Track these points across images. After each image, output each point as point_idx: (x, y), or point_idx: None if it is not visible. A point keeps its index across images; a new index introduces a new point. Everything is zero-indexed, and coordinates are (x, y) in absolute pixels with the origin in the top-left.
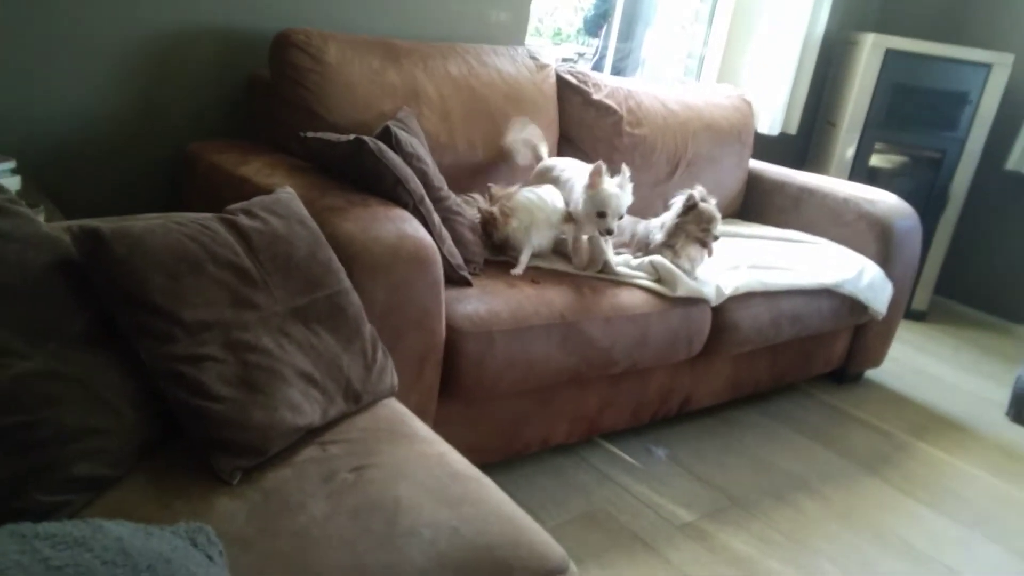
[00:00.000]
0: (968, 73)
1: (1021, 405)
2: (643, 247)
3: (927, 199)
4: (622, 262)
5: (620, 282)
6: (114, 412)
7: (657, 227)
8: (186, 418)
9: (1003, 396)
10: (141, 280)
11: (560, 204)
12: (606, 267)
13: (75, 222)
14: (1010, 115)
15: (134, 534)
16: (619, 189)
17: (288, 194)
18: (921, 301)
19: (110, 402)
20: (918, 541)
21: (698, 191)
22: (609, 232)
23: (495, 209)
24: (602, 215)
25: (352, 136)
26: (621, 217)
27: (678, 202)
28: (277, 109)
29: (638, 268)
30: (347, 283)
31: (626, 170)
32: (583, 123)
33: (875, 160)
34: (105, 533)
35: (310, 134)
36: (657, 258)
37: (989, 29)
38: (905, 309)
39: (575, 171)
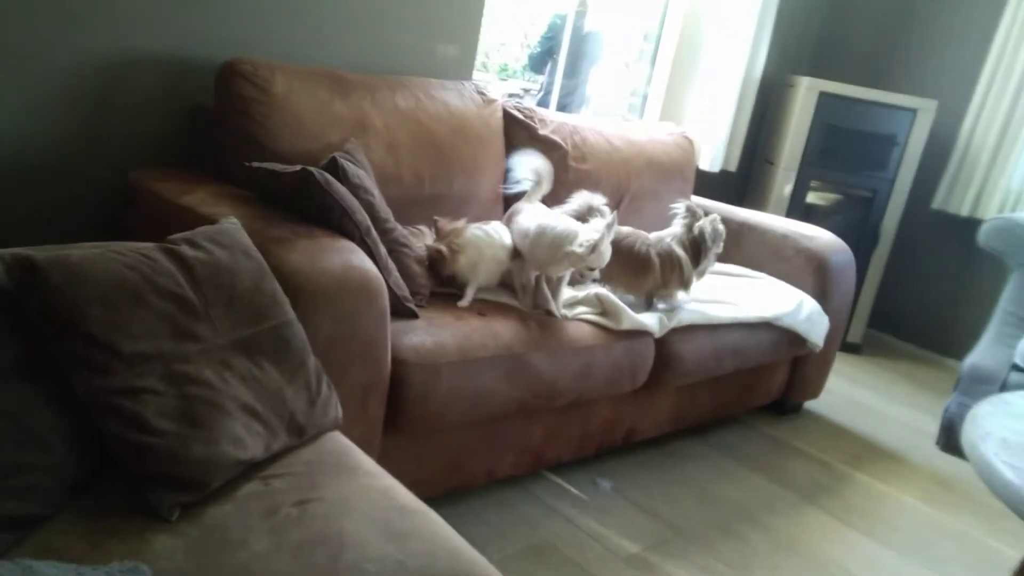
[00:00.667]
0: (896, 117)
1: (949, 435)
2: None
3: (860, 236)
4: (567, 300)
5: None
6: (45, 448)
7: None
8: (123, 453)
9: (934, 426)
10: (78, 310)
11: (507, 240)
12: (550, 313)
13: (7, 251)
14: (935, 157)
15: (65, 574)
16: (608, 246)
17: (233, 224)
18: (856, 334)
19: (41, 437)
20: (857, 570)
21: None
22: (589, 271)
23: (443, 246)
24: (591, 269)
25: (299, 167)
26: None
27: (679, 213)
28: (222, 139)
29: (583, 301)
30: (292, 315)
31: (613, 216)
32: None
33: (811, 197)
34: (35, 573)
35: (256, 164)
36: (602, 291)
37: (915, 76)
38: (841, 342)
39: (532, 215)
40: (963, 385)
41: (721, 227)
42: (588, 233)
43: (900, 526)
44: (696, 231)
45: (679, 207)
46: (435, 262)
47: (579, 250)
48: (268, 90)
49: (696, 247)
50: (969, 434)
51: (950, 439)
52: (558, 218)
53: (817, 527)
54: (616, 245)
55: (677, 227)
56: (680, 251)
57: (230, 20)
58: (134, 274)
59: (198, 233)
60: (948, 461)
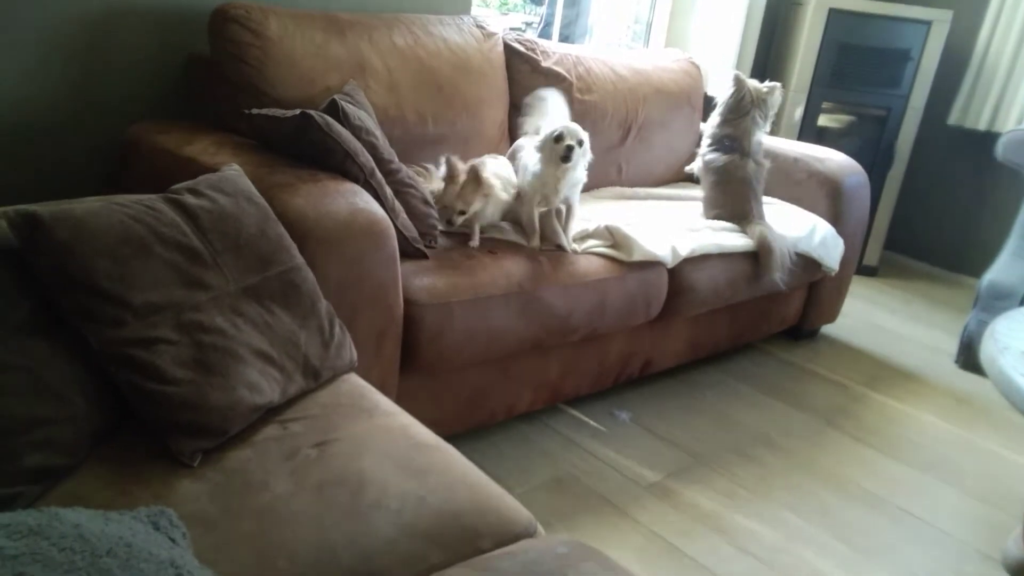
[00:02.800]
0: (909, 31)
1: (968, 352)
2: None
3: (874, 156)
4: (577, 233)
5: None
6: (64, 400)
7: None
8: (141, 403)
9: (952, 345)
10: (85, 264)
11: (513, 177)
12: (560, 247)
13: (11, 207)
14: (950, 71)
15: (92, 520)
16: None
17: (235, 171)
18: (872, 256)
19: (59, 391)
20: (875, 487)
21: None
22: (566, 159)
23: (484, 181)
24: (559, 139)
25: (298, 111)
26: (582, 143)
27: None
28: (219, 87)
29: (594, 234)
30: (300, 259)
31: (584, 135)
32: (533, 91)
33: (823, 120)
34: (61, 520)
35: (255, 111)
36: (612, 223)
37: None
38: (857, 265)
39: (528, 149)
40: (982, 302)
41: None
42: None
43: (919, 443)
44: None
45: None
46: (446, 208)
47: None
48: (262, 34)
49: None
50: (988, 349)
51: (969, 356)
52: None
53: (835, 447)
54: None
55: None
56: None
57: None
58: (139, 225)
59: (200, 182)
60: (968, 379)
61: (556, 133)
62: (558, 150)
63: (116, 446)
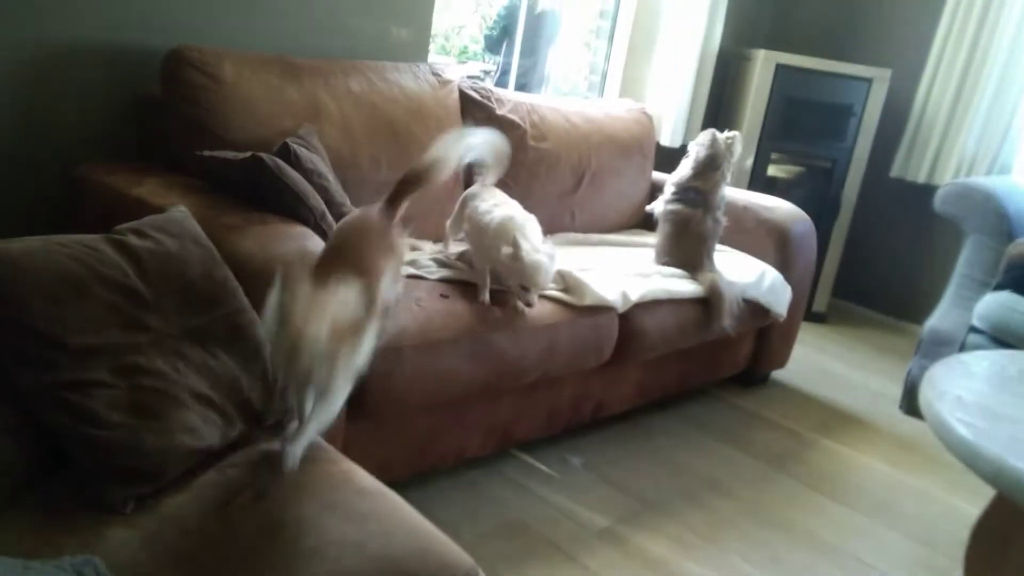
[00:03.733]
0: (852, 87)
1: (911, 398)
2: None
3: (821, 206)
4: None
5: None
6: None
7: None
8: (73, 447)
9: (897, 390)
10: (19, 305)
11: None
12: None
13: None
14: (891, 125)
15: (11, 570)
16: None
17: (181, 212)
18: (821, 303)
19: None
20: (824, 533)
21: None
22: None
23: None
24: (525, 289)
25: (249, 154)
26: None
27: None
28: (171, 128)
29: None
30: (245, 303)
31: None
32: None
33: (772, 170)
34: None
35: (207, 153)
36: (564, 268)
37: (869, 46)
38: (806, 311)
39: (496, 205)
40: (924, 348)
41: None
42: (526, 235)
43: (865, 489)
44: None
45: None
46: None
47: (504, 252)
48: (217, 77)
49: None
50: (926, 394)
51: (912, 402)
52: (509, 207)
53: (784, 494)
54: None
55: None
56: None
57: (174, 6)
58: (78, 265)
59: (145, 223)
60: (911, 423)
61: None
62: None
63: (43, 494)
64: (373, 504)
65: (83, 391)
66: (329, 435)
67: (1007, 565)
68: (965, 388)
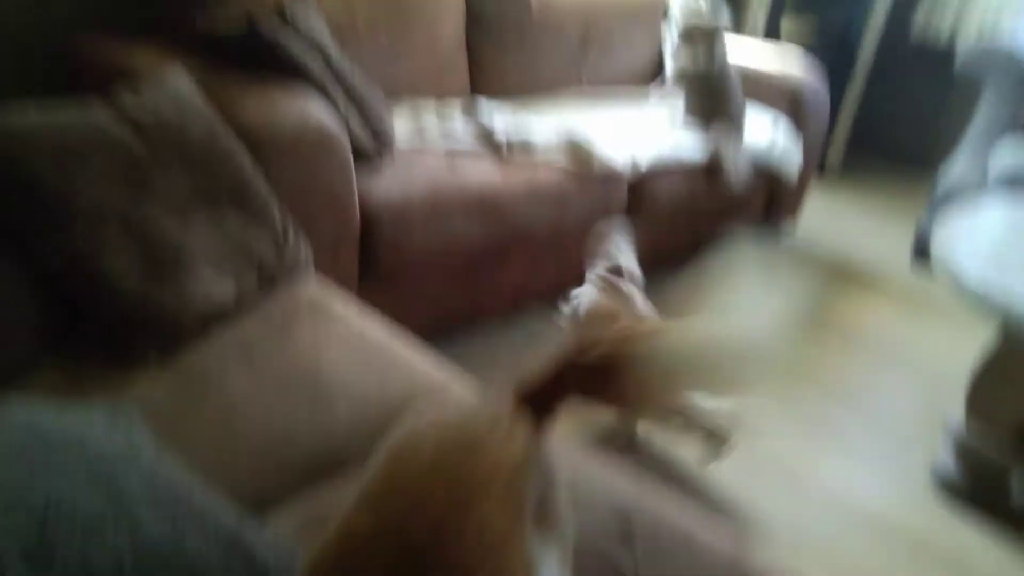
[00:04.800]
0: None
1: (923, 247)
2: None
3: (837, 59)
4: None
5: (537, 160)
6: (11, 306)
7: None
8: (92, 309)
9: (909, 244)
10: (26, 173)
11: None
12: None
13: None
14: None
15: (46, 410)
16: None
17: (180, 78)
18: (834, 158)
19: (5, 297)
20: (832, 380)
21: None
22: None
23: None
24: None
25: (246, 18)
26: None
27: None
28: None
29: (555, 147)
30: (248, 164)
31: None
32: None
33: (785, 23)
34: (11, 410)
35: (202, 20)
36: (573, 135)
37: None
38: (819, 166)
39: None
40: (937, 200)
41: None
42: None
43: (874, 338)
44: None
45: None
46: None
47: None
48: None
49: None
50: (938, 243)
51: (923, 251)
52: None
53: (794, 344)
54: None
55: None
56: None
57: None
58: (79, 131)
59: (144, 88)
60: (921, 275)
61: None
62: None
63: (67, 353)
64: (392, 354)
65: (95, 255)
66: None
67: (1007, 401)
68: (976, 234)
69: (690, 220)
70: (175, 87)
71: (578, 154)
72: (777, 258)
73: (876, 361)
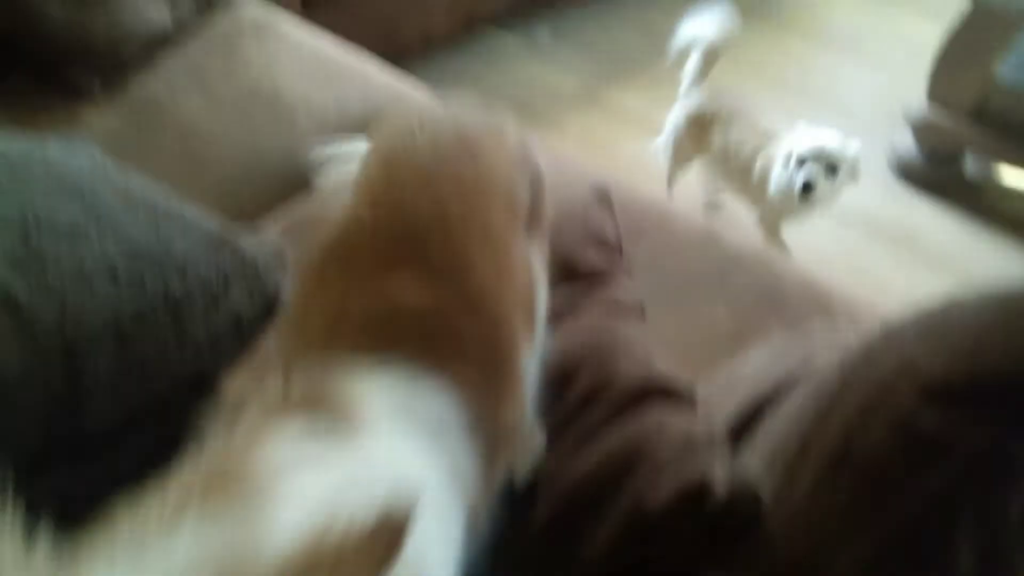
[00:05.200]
0: None
1: None
2: None
3: None
4: None
5: None
6: None
7: None
8: (24, 43)
9: None
10: None
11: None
12: None
13: None
14: None
15: (30, 145)
16: None
17: None
18: None
19: None
20: (792, 72)
21: None
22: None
23: None
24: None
25: None
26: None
27: None
28: None
29: None
30: None
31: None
32: None
33: None
34: None
35: None
36: None
37: None
38: None
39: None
40: None
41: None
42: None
43: (833, 28)
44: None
45: None
46: None
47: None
48: None
49: None
50: None
51: None
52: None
53: (754, 39)
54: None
55: None
56: None
57: None
58: None
59: None
60: None
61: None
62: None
63: (7, 90)
64: (350, 69)
65: None
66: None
67: (967, 80)
68: None
69: None
70: None
71: None
72: None
73: (834, 52)
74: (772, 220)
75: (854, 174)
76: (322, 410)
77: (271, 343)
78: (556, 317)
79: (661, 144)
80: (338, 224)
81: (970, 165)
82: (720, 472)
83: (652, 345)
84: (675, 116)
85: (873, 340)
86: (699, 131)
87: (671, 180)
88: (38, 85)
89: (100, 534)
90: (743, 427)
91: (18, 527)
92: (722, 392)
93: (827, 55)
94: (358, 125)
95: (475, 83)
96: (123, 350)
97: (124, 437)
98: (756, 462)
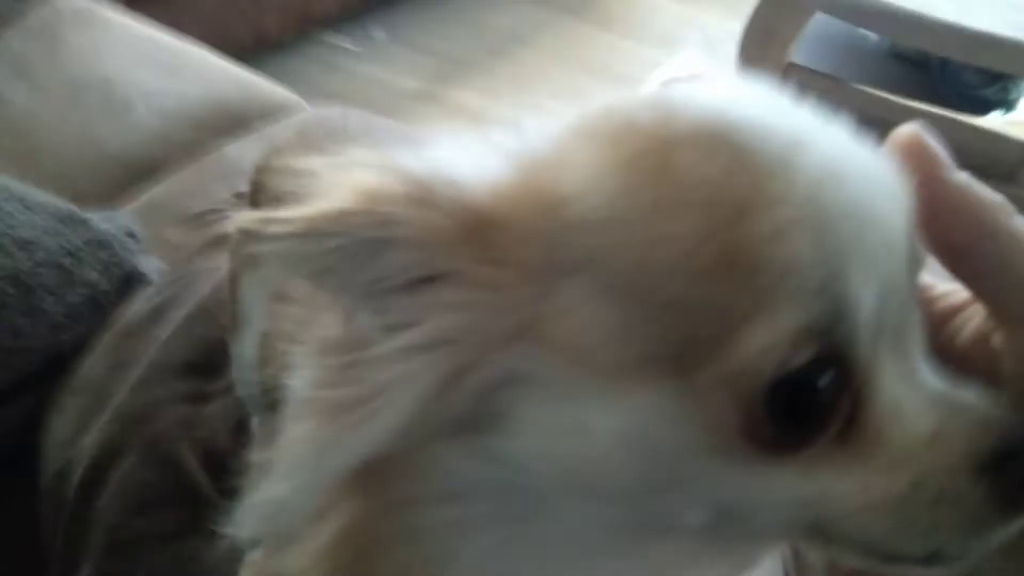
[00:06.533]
0: None
1: None
2: None
3: None
4: None
5: None
6: None
7: None
8: None
9: None
10: None
11: None
12: None
13: None
14: None
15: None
16: None
17: None
18: None
19: None
20: (619, 67)
21: None
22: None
23: None
24: None
25: None
26: None
27: None
28: None
29: None
30: None
31: None
32: None
33: None
34: None
35: None
36: None
37: None
38: None
39: None
40: None
41: None
42: None
43: (653, 24)
44: None
45: None
46: None
47: None
48: None
49: None
50: None
51: None
52: None
53: (582, 38)
54: None
55: None
56: None
57: None
58: None
59: None
60: None
61: None
62: None
63: None
64: (187, 58)
65: None
66: None
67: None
68: None
69: None
70: None
71: None
72: None
73: (655, 47)
74: None
75: None
76: None
77: None
78: None
79: None
80: None
81: None
82: None
83: None
84: None
85: None
86: None
87: None
88: None
89: None
90: None
91: None
92: None
93: (648, 50)
94: (206, 114)
95: (313, 85)
96: None
97: None
98: None
